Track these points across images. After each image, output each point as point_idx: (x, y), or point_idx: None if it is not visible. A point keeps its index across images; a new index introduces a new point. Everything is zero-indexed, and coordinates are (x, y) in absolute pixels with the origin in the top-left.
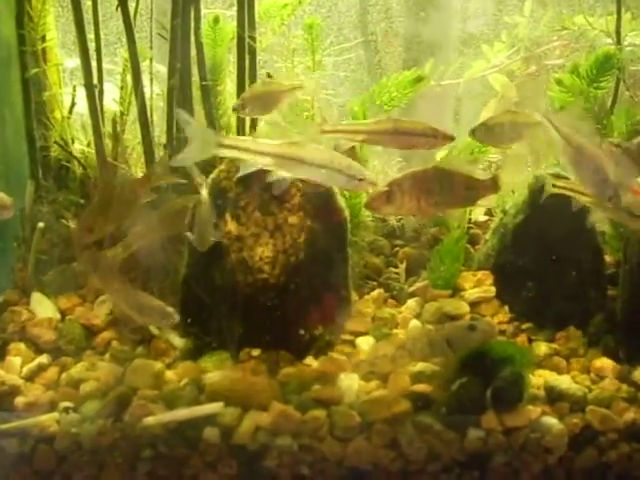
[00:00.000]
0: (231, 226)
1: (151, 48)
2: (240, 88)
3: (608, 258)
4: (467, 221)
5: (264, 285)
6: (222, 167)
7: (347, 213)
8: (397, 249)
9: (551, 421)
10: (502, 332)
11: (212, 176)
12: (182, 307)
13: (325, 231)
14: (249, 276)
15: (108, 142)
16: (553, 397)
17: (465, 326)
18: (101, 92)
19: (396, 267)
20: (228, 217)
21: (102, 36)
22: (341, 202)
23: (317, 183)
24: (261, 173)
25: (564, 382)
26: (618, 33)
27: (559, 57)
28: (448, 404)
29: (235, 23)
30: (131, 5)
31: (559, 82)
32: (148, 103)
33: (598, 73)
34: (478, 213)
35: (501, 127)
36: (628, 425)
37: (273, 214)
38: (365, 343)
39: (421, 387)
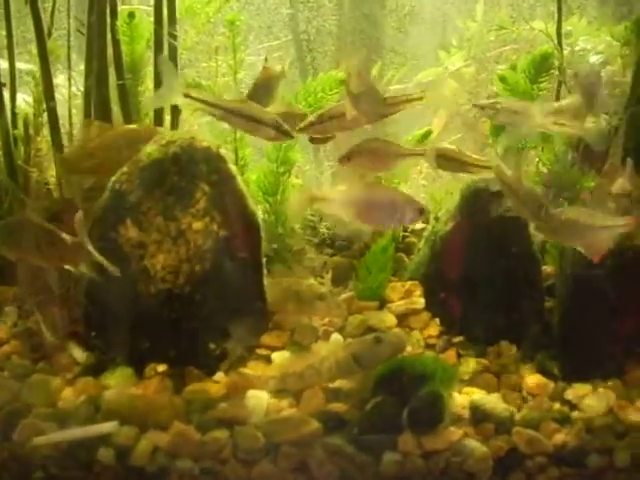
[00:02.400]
0: (132, 232)
1: (69, 46)
2: (157, 86)
3: (549, 268)
4: (402, 229)
5: (168, 296)
6: (123, 169)
7: (260, 218)
8: (326, 257)
9: (473, 444)
10: (431, 346)
11: (113, 178)
12: (85, 320)
13: (235, 238)
14: (151, 286)
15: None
16: (478, 418)
17: (371, 340)
18: (14, 92)
19: (323, 277)
20: (129, 222)
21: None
22: (253, 206)
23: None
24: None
25: (489, 402)
26: (559, 35)
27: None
28: (361, 425)
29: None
30: (49, 1)
31: (502, 79)
32: (67, 103)
33: (536, 73)
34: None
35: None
36: (558, 448)
37: (176, 219)
38: (281, 358)
39: (336, 406)
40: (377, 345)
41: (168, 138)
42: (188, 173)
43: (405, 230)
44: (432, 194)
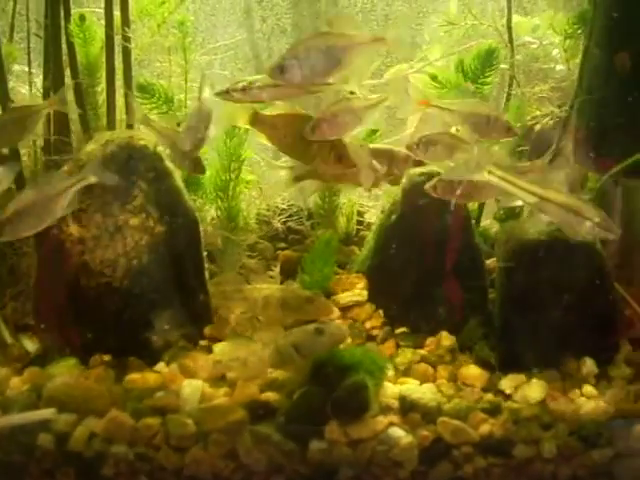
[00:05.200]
0: (72, 228)
1: (29, 48)
2: (110, 87)
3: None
4: (356, 222)
5: (107, 289)
6: (64, 168)
7: (197, 214)
8: (279, 252)
9: (399, 433)
10: (373, 337)
11: None
12: (35, 312)
13: (173, 233)
14: (92, 280)
15: None
16: (405, 407)
17: (312, 330)
18: None
19: (272, 270)
20: (69, 219)
21: None
22: (190, 202)
23: None
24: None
25: (417, 391)
26: (509, 29)
27: None
28: (287, 414)
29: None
30: (9, 4)
31: (434, 78)
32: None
33: (482, 68)
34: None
35: None
36: (484, 438)
37: (114, 216)
38: (222, 348)
39: (267, 395)
40: (318, 335)
41: (107, 137)
42: (125, 171)
43: (360, 224)
44: (388, 188)
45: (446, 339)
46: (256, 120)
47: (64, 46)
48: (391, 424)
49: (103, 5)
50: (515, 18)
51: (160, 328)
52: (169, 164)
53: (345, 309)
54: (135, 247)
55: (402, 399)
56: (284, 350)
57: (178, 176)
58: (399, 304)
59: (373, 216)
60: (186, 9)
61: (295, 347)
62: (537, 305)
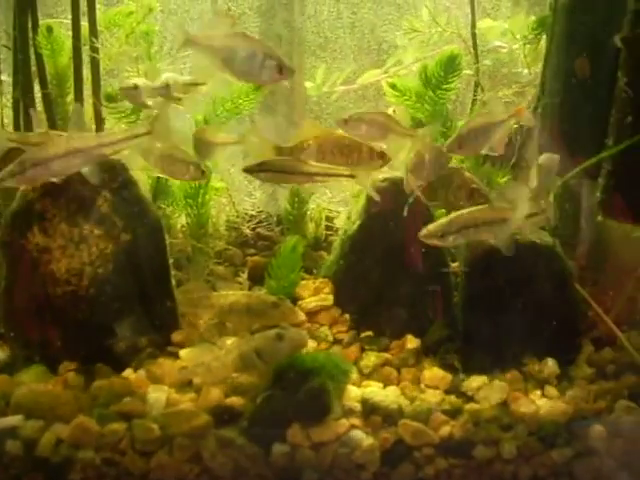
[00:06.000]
0: (38, 238)
1: None
2: (78, 97)
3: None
4: (324, 228)
5: (73, 297)
6: None
7: (163, 222)
8: (248, 258)
9: (360, 435)
10: (338, 341)
11: (21, 188)
12: (4, 319)
13: (138, 241)
14: (58, 288)
15: None
16: (367, 410)
17: (273, 336)
18: None
19: (240, 275)
20: (36, 229)
21: None
22: (155, 211)
23: None
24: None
25: (379, 394)
26: (474, 35)
27: None
28: (250, 418)
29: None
30: None
31: (393, 86)
32: None
33: (445, 74)
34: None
35: None
36: (444, 439)
37: (78, 225)
38: (189, 353)
39: (232, 400)
40: (278, 341)
41: None
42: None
43: (329, 229)
44: (355, 192)
45: (411, 342)
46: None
47: (33, 57)
48: (353, 427)
49: (70, 16)
50: (487, 23)
51: (125, 335)
52: (133, 173)
53: (311, 314)
54: (100, 256)
55: (364, 402)
56: (247, 355)
57: (142, 185)
58: (364, 308)
59: (342, 221)
60: (154, 19)
61: (257, 352)
62: (498, 307)
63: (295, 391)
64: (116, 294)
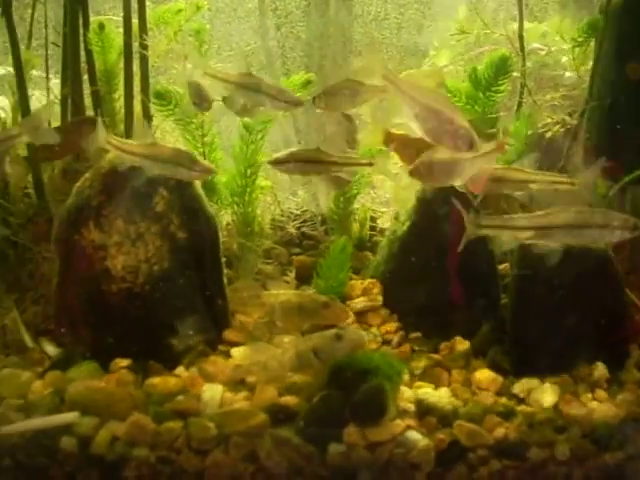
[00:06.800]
0: (94, 235)
1: (47, 55)
2: (128, 94)
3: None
4: (369, 228)
5: (129, 294)
6: (86, 175)
7: (216, 220)
8: (293, 257)
9: (416, 436)
10: (387, 342)
11: (77, 184)
12: (56, 316)
13: (193, 239)
14: (113, 285)
15: None
16: (422, 411)
17: (331, 335)
18: None
19: (287, 275)
20: (91, 225)
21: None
22: (210, 209)
23: None
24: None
25: (434, 395)
26: (521, 37)
27: None
28: (306, 417)
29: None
30: (27, 12)
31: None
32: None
33: (495, 76)
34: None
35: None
36: (499, 441)
37: (135, 223)
38: (241, 353)
39: (286, 399)
40: (337, 341)
41: None
42: (147, 178)
43: (373, 229)
44: (397, 194)
45: (460, 344)
46: (389, 139)
47: (82, 53)
48: (408, 427)
49: (118, 13)
50: (526, 25)
51: (181, 333)
52: None
53: (360, 314)
54: (156, 253)
55: (419, 403)
56: (304, 355)
57: (198, 184)
58: (413, 309)
59: (386, 222)
60: (202, 17)
61: (315, 352)
62: (550, 311)
63: (352, 391)
64: (171, 292)
